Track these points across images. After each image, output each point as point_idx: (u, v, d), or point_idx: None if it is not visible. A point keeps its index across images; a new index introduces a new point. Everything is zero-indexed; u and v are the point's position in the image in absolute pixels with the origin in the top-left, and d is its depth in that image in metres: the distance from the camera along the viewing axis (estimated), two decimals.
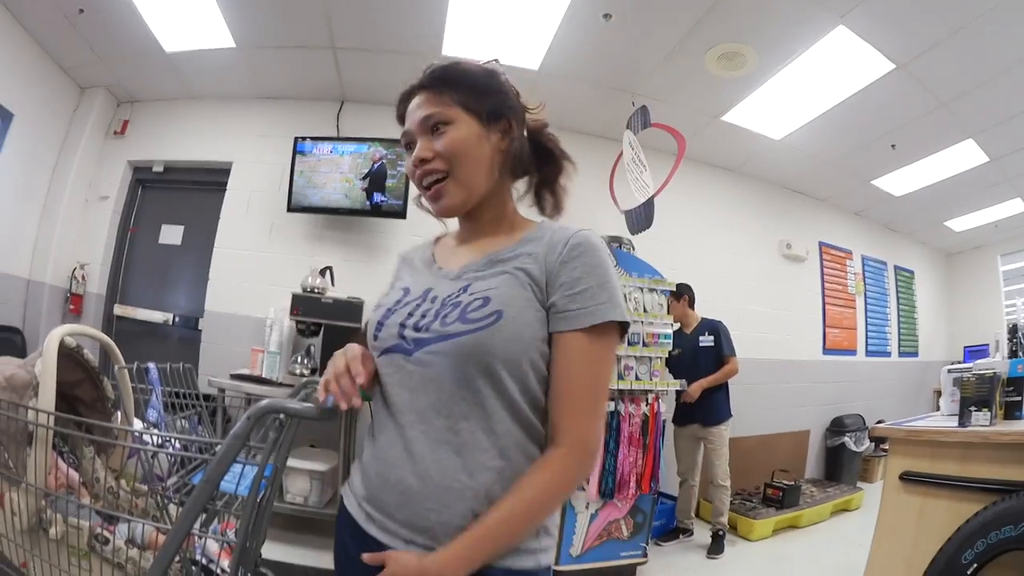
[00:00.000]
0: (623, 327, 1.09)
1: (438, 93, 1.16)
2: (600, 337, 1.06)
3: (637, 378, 4.09)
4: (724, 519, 4.75)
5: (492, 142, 1.18)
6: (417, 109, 1.17)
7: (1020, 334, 3.08)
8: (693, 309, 5.08)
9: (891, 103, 4.80)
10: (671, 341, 4.34)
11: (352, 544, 1.11)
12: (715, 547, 4.64)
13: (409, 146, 1.20)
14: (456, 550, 0.99)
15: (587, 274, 1.06)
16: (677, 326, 4.75)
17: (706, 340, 4.92)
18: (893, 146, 5.65)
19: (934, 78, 4.42)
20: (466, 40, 4.32)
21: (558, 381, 1.07)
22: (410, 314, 1.12)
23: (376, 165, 4.84)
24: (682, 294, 4.92)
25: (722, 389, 4.90)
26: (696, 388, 4.73)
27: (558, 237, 1.11)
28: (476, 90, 1.18)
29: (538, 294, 1.07)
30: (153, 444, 1.73)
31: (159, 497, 1.63)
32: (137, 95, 5.40)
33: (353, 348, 1.13)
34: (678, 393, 4.68)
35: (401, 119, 1.23)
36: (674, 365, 4.40)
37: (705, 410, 4.81)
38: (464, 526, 1.00)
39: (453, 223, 1.30)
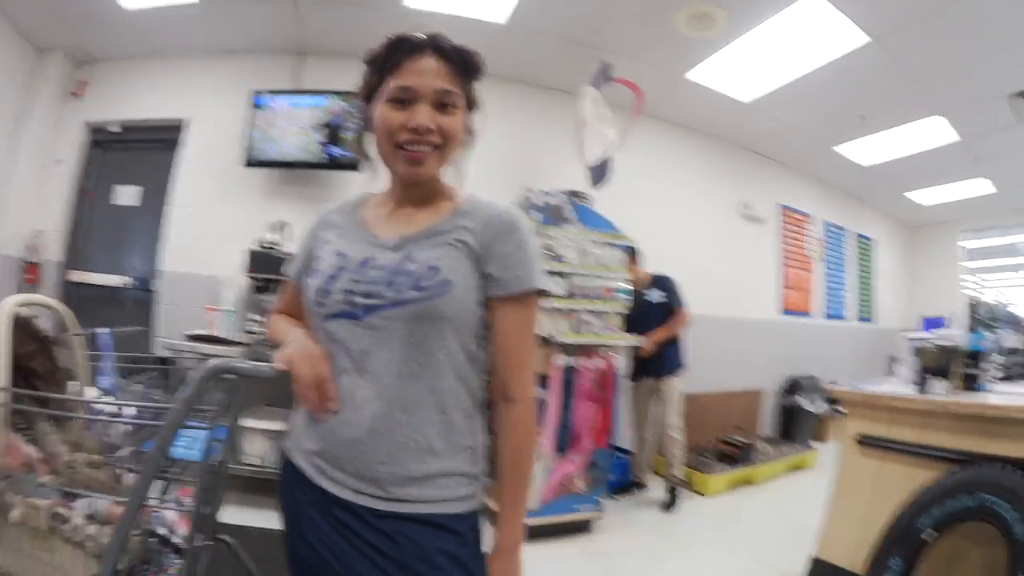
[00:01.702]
0: (543, 293, 1.24)
1: (456, 73, 1.20)
2: (530, 302, 1.23)
3: (593, 332, 4.11)
4: (678, 472, 4.81)
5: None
6: (434, 77, 1.18)
7: (978, 310, 3.15)
8: (639, 266, 5.05)
9: (863, 76, 4.83)
10: (628, 296, 4.34)
11: (302, 497, 1.21)
12: (671, 502, 4.73)
13: (404, 103, 1.18)
14: (509, 525, 1.22)
15: (517, 248, 1.20)
16: None
17: (655, 295, 4.93)
18: (862, 117, 5.71)
19: (909, 55, 4.45)
20: None
21: (503, 343, 1.22)
22: (356, 280, 1.19)
23: (335, 118, 4.75)
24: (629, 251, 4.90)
25: (675, 341, 4.92)
26: (651, 342, 4.74)
27: (491, 212, 1.24)
28: (474, 84, 1.25)
29: (475, 264, 1.19)
30: (107, 413, 1.67)
31: (115, 467, 1.58)
32: (96, 55, 5.16)
33: (323, 364, 1.19)
34: (633, 348, 4.70)
35: (383, 63, 1.21)
36: (625, 322, 4.41)
37: (658, 362, 4.85)
38: (409, 476, 1.14)
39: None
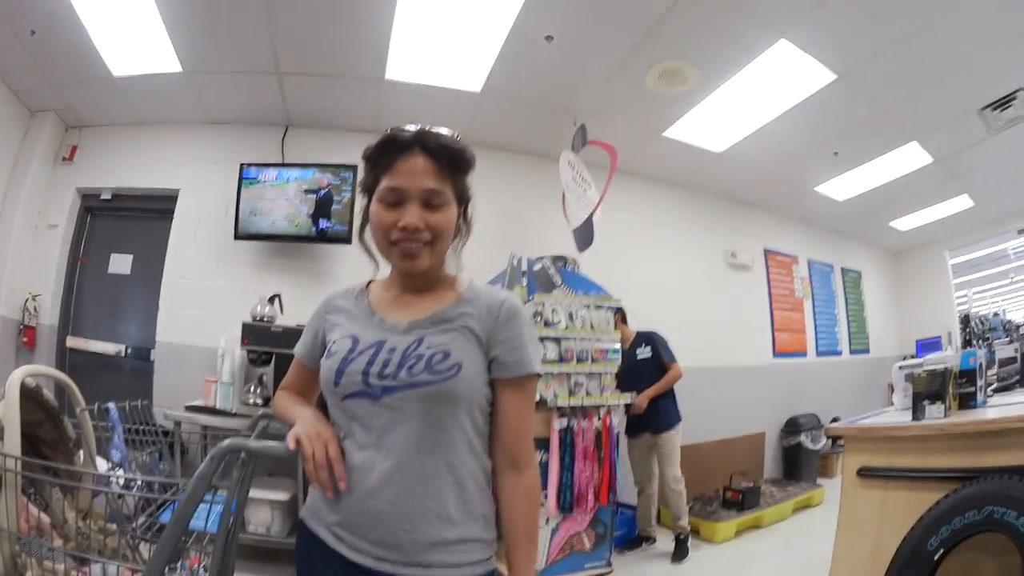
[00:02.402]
0: (539, 376, 1.35)
1: (444, 172, 1.27)
2: (530, 383, 1.33)
3: (588, 394, 4.18)
4: (684, 522, 4.77)
5: (457, 222, 1.34)
6: (422, 176, 1.25)
7: (972, 324, 3.19)
8: (626, 324, 5.10)
9: (833, 112, 4.92)
10: (620, 356, 4.41)
11: (322, 564, 1.25)
12: (679, 552, 4.68)
13: (395, 203, 1.25)
14: None
15: (519, 334, 1.30)
16: None
17: (643, 352, 4.98)
18: (836, 153, 5.83)
19: (875, 86, 4.55)
20: (409, 64, 4.30)
21: (508, 419, 1.30)
22: (369, 362, 1.25)
23: (322, 191, 4.82)
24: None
25: (668, 395, 4.95)
26: (643, 399, 4.77)
27: (492, 300, 1.32)
28: (465, 179, 1.34)
29: (481, 348, 1.28)
30: (118, 485, 1.69)
31: (129, 537, 1.59)
32: (85, 120, 5.24)
33: (334, 445, 1.23)
34: (627, 406, 4.72)
35: (376, 161, 1.29)
36: (618, 380, 4.46)
37: (654, 418, 4.85)
38: (430, 542, 1.18)
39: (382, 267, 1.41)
